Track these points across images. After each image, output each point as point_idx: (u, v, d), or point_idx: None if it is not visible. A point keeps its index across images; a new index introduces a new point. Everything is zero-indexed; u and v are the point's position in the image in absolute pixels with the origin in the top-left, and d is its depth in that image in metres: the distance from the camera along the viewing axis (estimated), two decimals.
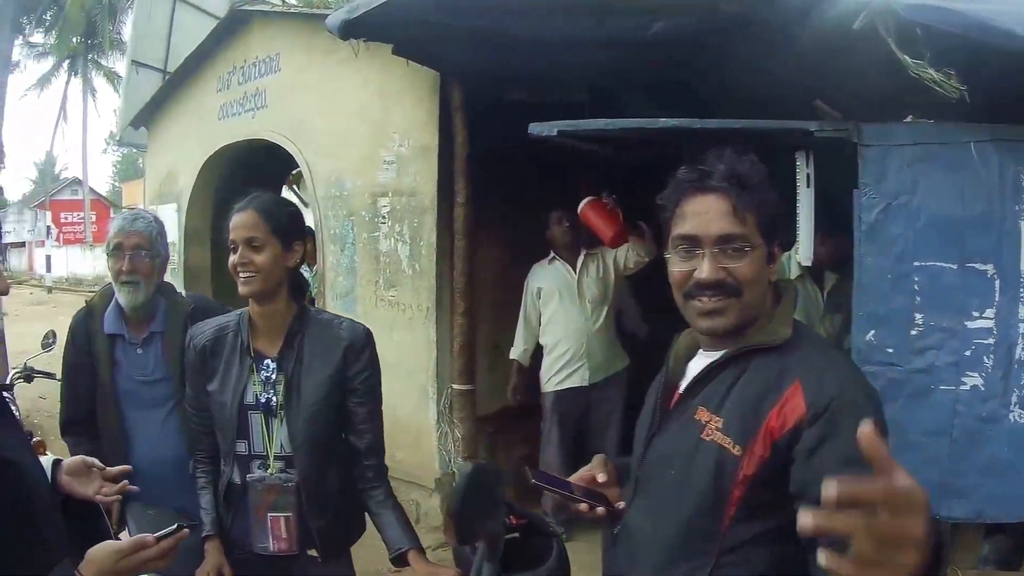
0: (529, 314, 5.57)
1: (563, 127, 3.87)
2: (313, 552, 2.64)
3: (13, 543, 1.58)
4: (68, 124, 45.96)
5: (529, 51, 4.45)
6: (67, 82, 42.57)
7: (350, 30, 4.64)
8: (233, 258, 2.49)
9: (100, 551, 1.70)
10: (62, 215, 45.07)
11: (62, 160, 62.11)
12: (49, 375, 5.07)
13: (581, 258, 5.50)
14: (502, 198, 5.56)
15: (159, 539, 1.81)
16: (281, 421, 2.57)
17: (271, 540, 2.59)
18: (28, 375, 5.01)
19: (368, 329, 2.69)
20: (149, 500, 2.81)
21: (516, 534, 1.98)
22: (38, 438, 4.73)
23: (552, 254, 5.54)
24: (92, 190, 46.36)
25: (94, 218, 42.77)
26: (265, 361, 2.60)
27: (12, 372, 5.07)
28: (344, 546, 2.77)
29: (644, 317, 5.97)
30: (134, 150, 40.70)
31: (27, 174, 66.60)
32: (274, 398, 2.57)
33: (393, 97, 5.69)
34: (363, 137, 5.93)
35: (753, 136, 3.53)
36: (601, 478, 1.95)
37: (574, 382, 5.45)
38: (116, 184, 64.83)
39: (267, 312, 2.59)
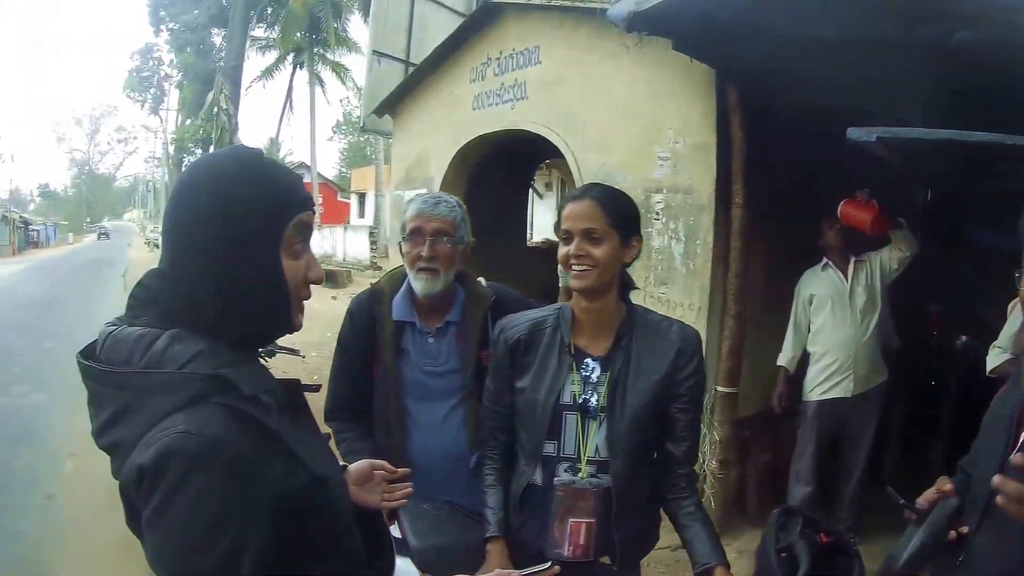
0: (799, 320, 5.53)
1: (882, 134, 3.76)
2: (606, 560, 2.54)
3: (328, 561, 1.54)
4: (294, 113, 48.12)
5: (815, 52, 4.36)
6: (292, 74, 45.55)
7: (635, 23, 4.67)
8: (566, 249, 2.40)
9: None
10: None
11: (286, 146, 65.73)
12: (293, 351, 5.26)
13: (851, 265, 5.44)
14: (772, 200, 5.49)
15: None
16: (600, 424, 2.46)
17: (567, 546, 2.49)
18: (271, 351, 5.11)
19: (698, 333, 2.56)
20: (421, 494, 2.67)
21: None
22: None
23: (825, 260, 5.50)
24: (320, 175, 48.62)
25: (321, 201, 44.68)
26: (586, 360, 2.50)
27: None
28: (640, 556, 2.66)
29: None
30: (371, 137, 42.61)
31: None
32: (594, 399, 2.46)
33: (664, 93, 5.73)
34: (634, 132, 6.00)
35: None
36: None
37: (838, 392, 5.39)
38: (343, 170, 68.42)
39: (594, 309, 2.48)
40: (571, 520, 2.48)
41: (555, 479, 2.49)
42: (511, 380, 2.58)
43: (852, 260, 5.46)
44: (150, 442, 1.28)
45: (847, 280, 5.43)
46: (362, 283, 23.46)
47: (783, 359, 5.59)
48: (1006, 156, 3.66)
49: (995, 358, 4.39)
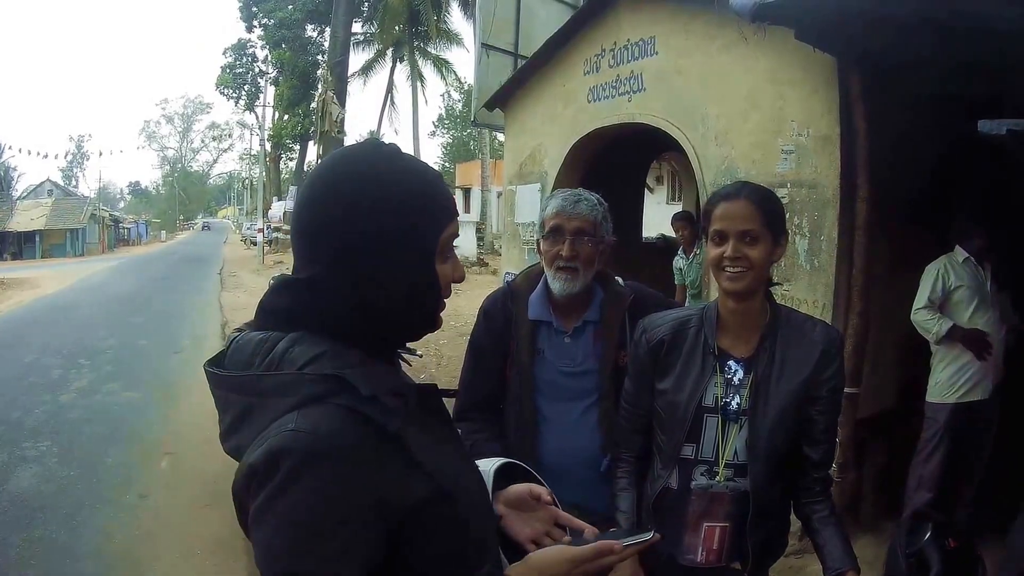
0: (934, 302, 5.61)
1: (1012, 125, 3.80)
2: (737, 566, 2.61)
3: None
4: (396, 109, 49.02)
5: (942, 38, 4.38)
6: (392, 69, 47.00)
7: (760, 12, 4.82)
8: (720, 250, 2.42)
9: (549, 558, 1.57)
10: None
11: (387, 140, 66.96)
12: (409, 351, 5.50)
13: (988, 267, 5.61)
14: (897, 195, 5.56)
15: (626, 546, 1.63)
16: (741, 427, 2.50)
17: (701, 551, 2.57)
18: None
19: (841, 334, 2.61)
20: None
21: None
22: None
23: (966, 255, 5.62)
24: None
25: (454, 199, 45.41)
26: (730, 362, 2.54)
27: None
28: (772, 561, 2.71)
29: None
30: (475, 132, 42.85)
31: None
32: (736, 402, 2.51)
33: (786, 85, 5.84)
34: (755, 124, 6.14)
35: None
36: None
37: (976, 395, 5.50)
38: (445, 164, 69.27)
39: (742, 310, 2.51)
40: (705, 524, 2.56)
41: (692, 483, 2.56)
42: (651, 381, 2.65)
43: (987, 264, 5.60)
44: (262, 441, 1.29)
45: (987, 279, 5.57)
46: (468, 279, 23.75)
47: (943, 328, 5.56)
48: None
49: None
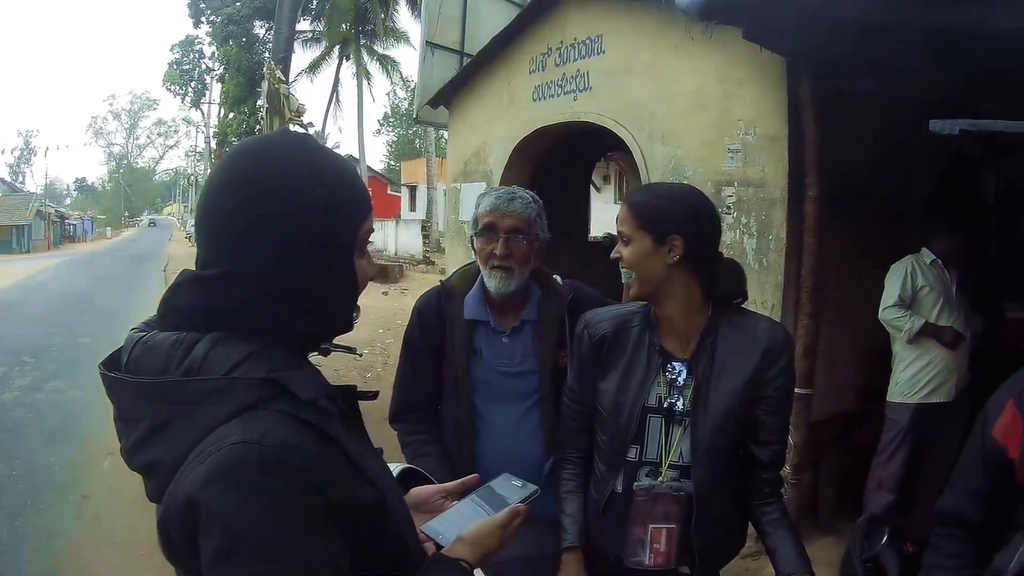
0: (904, 301, 5.51)
1: (965, 125, 3.68)
2: (685, 570, 2.53)
3: None
4: (341, 107, 48.59)
5: (895, 41, 4.27)
6: (338, 67, 46.47)
7: (708, 11, 4.68)
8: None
9: (481, 531, 1.60)
10: None
11: (332, 139, 66.45)
12: (349, 349, 5.29)
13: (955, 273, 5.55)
14: (847, 195, 5.49)
15: (523, 501, 1.74)
16: (684, 429, 2.42)
17: (648, 553, 2.48)
18: (326, 349, 5.05)
19: (788, 332, 2.50)
20: None
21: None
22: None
23: (934, 257, 5.54)
24: (369, 168, 49.50)
25: (371, 193, 45.20)
26: (673, 363, 2.46)
27: None
28: (720, 564, 2.64)
29: None
30: (421, 130, 42.52)
31: None
32: (680, 403, 2.43)
33: (734, 84, 5.72)
34: (702, 124, 5.99)
35: None
36: None
37: (939, 397, 5.42)
38: (391, 163, 69.20)
39: (665, 314, 2.46)
40: (652, 526, 2.47)
41: (635, 484, 2.48)
42: (595, 379, 2.56)
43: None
44: (201, 458, 1.17)
45: (953, 281, 5.51)
46: (414, 278, 23.62)
47: (915, 325, 5.45)
48: None
49: None
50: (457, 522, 1.65)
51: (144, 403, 1.27)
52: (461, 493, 1.87)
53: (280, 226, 1.30)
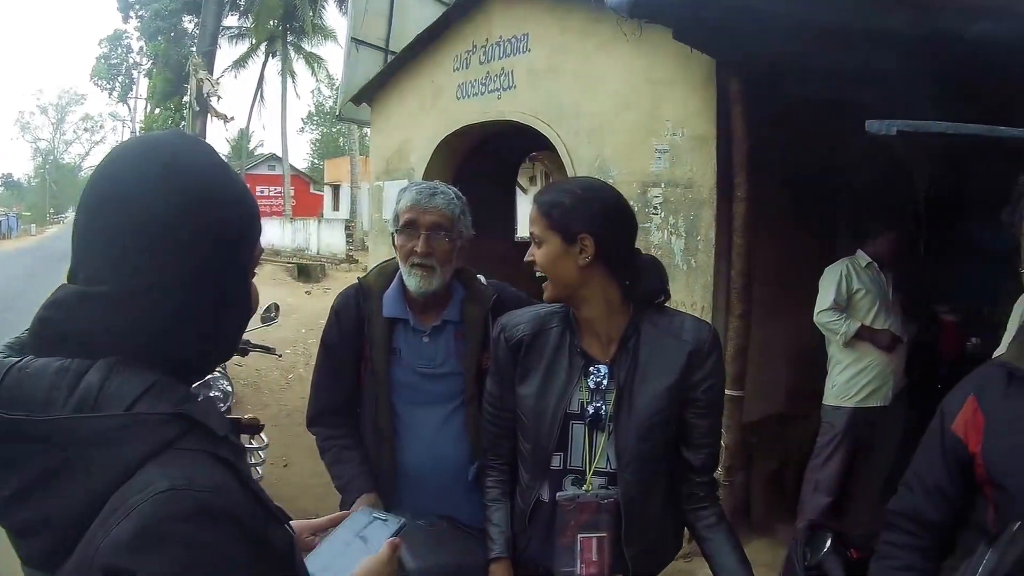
0: (840, 303, 5.35)
1: (903, 126, 3.54)
2: None
3: None
4: (265, 104, 47.62)
5: (821, 43, 4.21)
6: (264, 64, 45.21)
7: (637, 9, 4.56)
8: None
9: (373, 568, 1.54)
10: (258, 189, 46.91)
11: (256, 137, 65.46)
12: (268, 350, 5.00)
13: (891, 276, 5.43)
14: (777, 196, 5.41)
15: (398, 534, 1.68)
16: (609, 435, 2.30)
17: (579, 564, 2.35)
18: (244, 350, 4.79)
19: (715, 331, 2.37)
20: (416, 507, 2.67)
21: None
22: (250, 415, 4.72)
23: (869, 260, 5.39)
24: (292, 167, 48.59)
25: (293, 193, 44.39)
26: (596, 366, 2.32)
27: None
28: (655, 571, 2.52)
29: None
30: (345, 128, 41.86)
31: (220, 149, 70.27)
32: (604, 408, 2.30)
33: (662, 84, 5.58)
34: (629, 123, 5.84)
35: None
36: None
37: (876, 401, 5.30)
38: (315, 161, 68.12)
39: (583, 316, 2.33)
40: (581, 536, 2.33)
41: (559, 493, 2.35)
42: (515, 384, 2.42)
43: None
44: (121, 514, 0.97)
45: (889, 284, 5.39)
46: (336, 277, 23.29)
47: (851, 329, 5.27)
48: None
49: None
50: (332, 561, 1.58)
51: (23, 446, 1.02)
52: (326, 527, 1.77)
53: (180, 243, 1.13)
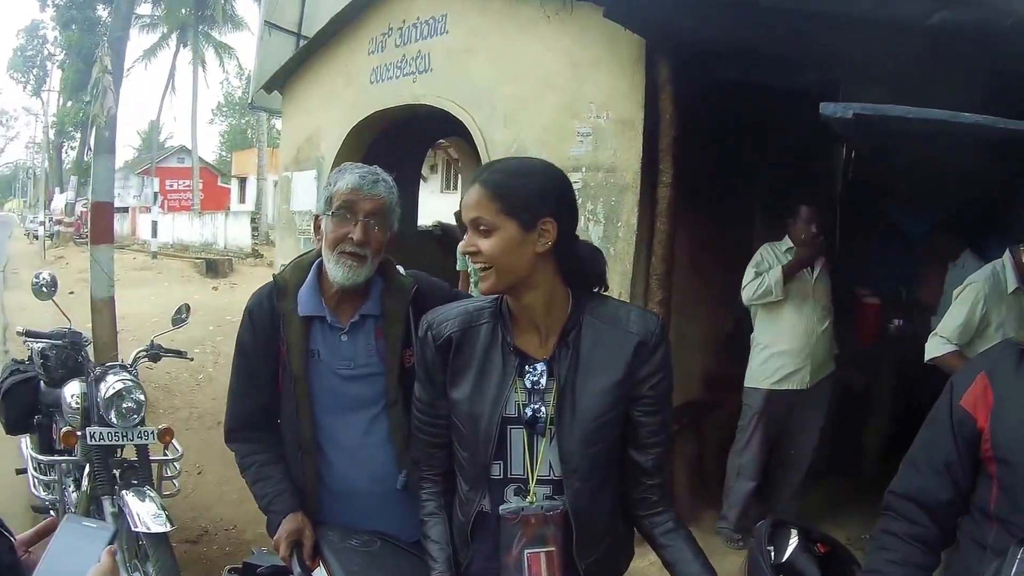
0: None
1: (860, 109, 3.32)
2: None
3: None
4: (176, 95, 46.13)
5: (766, 24, 4.02)
6: (175, 53, 43.38)
7: None
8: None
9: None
10: (167, 182, 45.37)
11: (167, 129, 63.56)
12: (179, 354, 4.74)
13: (820, 264, 5.14)
14: (701, 182, 5.15)
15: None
16: (551, 439, 2.03)
17: None
18: (155, 354, 4.55)
19: (662, 321, 2.12)
20: (345, 523, 2.49)
21: None
22: (164, 425, 4.32)
23: (790, 244, 5.10)
24: (200, 159, 46.78)
25: (201, 186, 43.14)
26: (533, 364, 2.04)
27: (137, 350, 4.62)
28: None
29: None
30: (253, 119, 40.85)
31: (130, 142, 68.08)
32: (543, 411, 2.02)
33: (587, 66, 5.26)
34: (551, 107, 5.51)
35: None
36: None
37: (792, 384, 5.08)
38: (223, 154, 66.18)
39: (523, 306, 2.03)
40: (528, 552, 2.05)
41: (502, 506, 2.06)
42: (445, 387, 2.12)
43: (822, 260, 5.18)
44: None
45: (812, 271, 5.12)
46: (243, 272, 22.54)
47: (773, 276, 4.94)
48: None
49: (937, 347, 4.13)
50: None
51: None
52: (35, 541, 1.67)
53: None
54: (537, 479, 2.05)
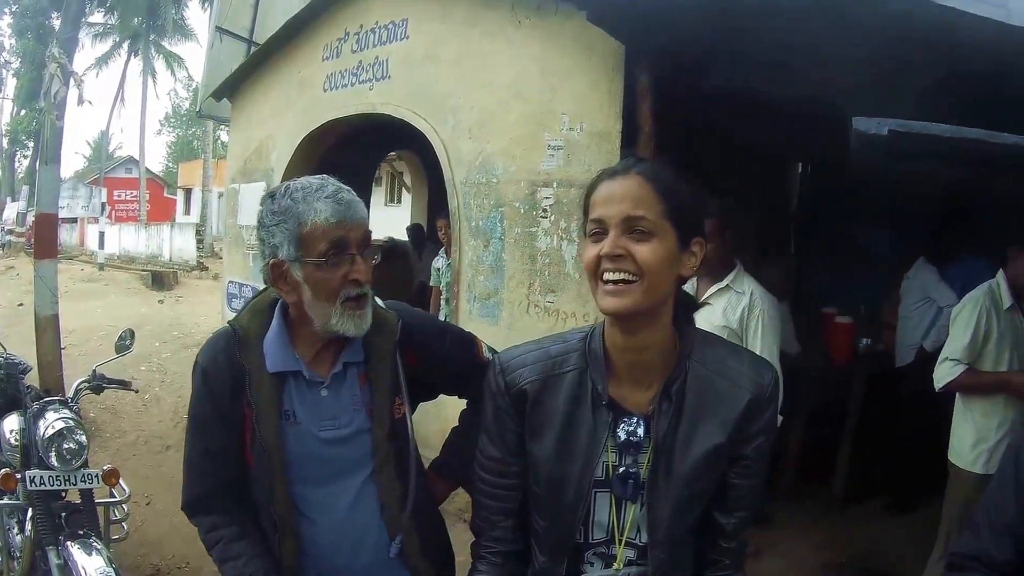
0: None
1: (895, 126, 2.97)
2: None
3: None
4: (125, 105, 44.73)
5: (752, 32, 3.75)
6: (126, 63, 42.22)
7: None
8: (596, 249, 1.51)
9: None
10: (115, 192, 44.13)
11: (115, 139, 62.07)
12: (124, 384, 4.16)
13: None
14: None
15: None
16: (642, 504, 1.66)
17: None
18: (98, 385, 4.00)
19: (777, 373, 1.70)
20: None
21: None
22: (109, 465, 3.77)
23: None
24: (148, 170, 45.58)
25: (148, 197, 42.11)
26: (629, 418, 1.63)
27: (78, 382, 4.05)
28: None
29: None
30: (200, 130, 39.73)
31: (81, 151, 66.44)
32: (637, 471, 1.64)
33: (558, 75, 4.74)
34: (518, 117, 4.95)
35: None
36: None
37: None
38: (170, 165, 64.67)
39: (639, 346, 1.62)
40: None
41: (582, 574, 1.76)
42: (521, 439, 1.74)
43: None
44: None
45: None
46: (189, 284, 21.61)
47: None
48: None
49: (949, 371, 3.83)
50: None
51: None
52: None
53: None
54: (624, 543, 1.73)
